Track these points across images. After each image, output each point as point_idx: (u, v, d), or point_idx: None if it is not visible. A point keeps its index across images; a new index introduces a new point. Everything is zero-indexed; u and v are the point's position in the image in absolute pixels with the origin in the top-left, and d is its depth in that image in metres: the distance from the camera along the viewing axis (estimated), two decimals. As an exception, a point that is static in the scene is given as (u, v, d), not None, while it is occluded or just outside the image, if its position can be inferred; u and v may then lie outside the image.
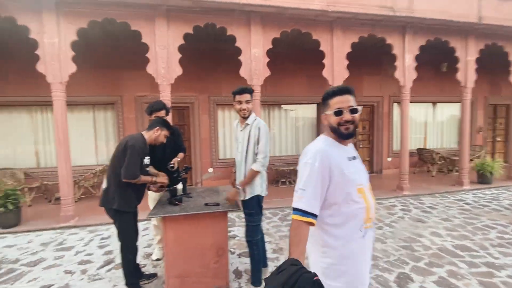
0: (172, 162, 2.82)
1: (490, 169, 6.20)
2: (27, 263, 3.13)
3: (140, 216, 2.65)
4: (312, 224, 1.12)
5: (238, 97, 2.35)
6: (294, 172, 6.72)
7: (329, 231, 1.20)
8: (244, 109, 2.35)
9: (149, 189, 2.58)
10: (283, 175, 6.69)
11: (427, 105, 8.44)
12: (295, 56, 6.86)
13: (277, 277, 0.91)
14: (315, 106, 7.59)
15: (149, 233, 3.92)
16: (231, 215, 4.57)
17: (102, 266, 3.04)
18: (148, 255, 3.26)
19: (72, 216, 4.35)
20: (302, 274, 0.89)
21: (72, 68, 4.20)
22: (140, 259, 3.08)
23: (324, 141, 1.26)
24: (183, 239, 2.35)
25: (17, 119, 6.04)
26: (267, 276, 0.99)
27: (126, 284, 2.45)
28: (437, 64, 7.71)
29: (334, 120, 1.22)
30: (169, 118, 3.11)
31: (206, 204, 2.47)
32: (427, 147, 8.20)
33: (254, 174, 2.30)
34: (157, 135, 2.47)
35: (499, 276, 2.69)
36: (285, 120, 7.52)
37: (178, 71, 4.53)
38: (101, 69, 5.99)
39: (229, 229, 3.80)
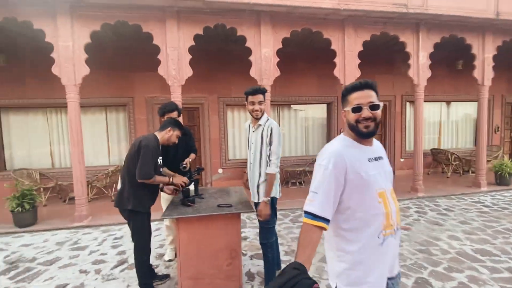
0: (184, 163, 2.82)
1: (508, 170, 5.97)
2: (43, 262, 3.20)
3: (153, 216, 2.66)
4: (323, 228, 1.08)
5: (251, 98, 2.32)
6: (304, 173, 6.65)
7: (344, 236, 1.15)
8: (257, 110, 2.31)
9: (162, 191, 2.58)
10: (293, 176, 6.63)
11: (441, 104, 8.21)
12: (305, 56, 6.79)
13: (277, 278, 0.89)
14: (325, 106, 7.50)
15: (161, 233, 3.94)
16: (242, 216, 4.55)
17: (115, 266, 3.07)
18: (161, 256, 3.27)
19: (85, 216, 4.42)
20: (301, 280, 0.85)
21: (86, 70, 4.28)
22: (152, 260, 3.09)
23: (342, 141, 1.19)
24: (196, 240, 2.34)
25: (33, 121, 6.20)
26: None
27: (140, 284, 2.46)
28: (451, 61, 7.49)
29: (352, 117, 1.14)
30: (180, 119, 3.11)
31: (218, 206, 2.45)
32: (441, 147, 7.98)
33: (272, 177, 2.27)
34: (170, 135, 2.47)
35: (523, 283, 2.57)
36: (295, 121, 7.46)
37: (189, 72, 4.55)
38: (113, 71, 6.08)
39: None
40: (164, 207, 2.95)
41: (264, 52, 4.72)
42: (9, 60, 5.64)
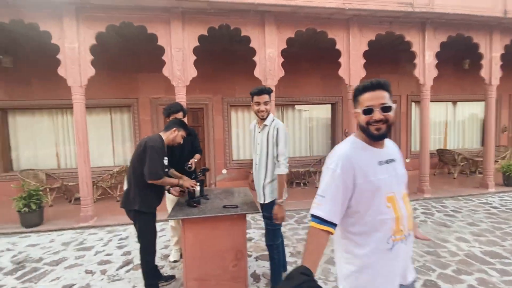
0: (189, 163, 2.82)
1: (517, 170, 5.87)
2: (49, 262, 3.21)
3: (157, 217, 2.65)
4: (330, 233, 1.07)
5: (256, 98, 2.30)
6: (309, 174, 6.62)
7: (352, 239, 1.13)
8: (263, 111, 2.30)
9: (169, 192, 2.57)
10: (297, 176, 6.60)
11: (447, 104, 8.11)
12: (309, 56, 6.76)
13: (284, 283, 0.87)
14: (329, 106, 7.46)
15: (165, 234, 3.94)
16: (247, 217, 4.53)
17: (121, 267, 3.07)
18: (166, 257, 3.27)
19: (91, 216, 4.45)
20: (309, 286, 0.85)
21: (91, 71, 4.31)
22: (157, 261, 3.08)
23: (351, 143, 1.15)
24: (202, 241, 2.33)
25: (39, 122, 6.26)
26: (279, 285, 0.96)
27: (145, 285, 2.46)
28: (457, 61, 7.40)
29: (363, 119, 1.10)
30: (185, 120, 3.11)
31: (224, 207, 2.44)
32: (447, 148, 7.89)
33: (283, 178, 2.26)
34: (175, 135, 2.47)
35: (535, 286, 2.52)
36: (299, 121, 7.43)
37: (193, 73, 4.55)
38: (117, 72, 6.12)
39: (245, 231, 3.76)
40: (169, 208, 2.95)
41: (268, 53, 4.70)
42: (15, 62, 5.70)
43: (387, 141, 1.21)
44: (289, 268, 2.84)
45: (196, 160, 2.95)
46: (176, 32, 4.43)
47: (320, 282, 2.65)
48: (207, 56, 5.65)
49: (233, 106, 6.80)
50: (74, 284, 2.74)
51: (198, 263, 2.33)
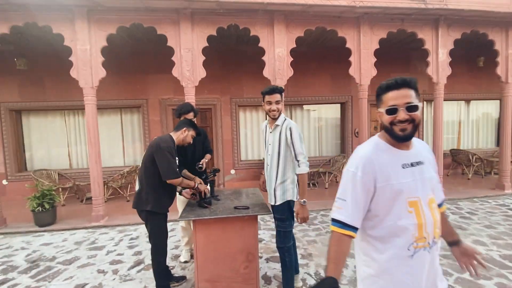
0: (200, 163, 2.81)
1: (535, 171, 5.66)
2: (63, 261, 3.26)
3: (168, 217, 2.66)
4: (352, 237, 1.03)
5: (268, 97, 2.27)
6: (318, 174, 6.55)
7: (371, 243, 1.09)
8: (274, 110, 2.26)
9: (180, 194, 2.57)
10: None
11: (460, 103, 7.90)
12: (317, 55, 6.69)
13: None
14: (339, 106, 7.36)
15: (176, 234, 3.95)
16: (256, 218, 4.51)
17: (132, 267, 3.09)
18: (176, 257, 3.28)
19: (102, 216, 4.50)
20: None
21: (102, 73, 4.36)
22: (168, 261, 3.08)
23: (374, 145, 1.10)
24: (213, 242, 2.31)
25: (52, 123, 6.39)
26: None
27: (157, 286, 2.46)
28: (470, 58, 7.19)
29: (386, 119, 1.04)
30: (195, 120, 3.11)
31: (235, 208, 2.42)
32: (461, 148, 7.68)
33: (305, 177, 2.23)
34: (185, 135, 2.47)
35: (560, 293, 2.41)
36: (308, 121, 7.36)
37: (202, 73, 4.56)
38: (127, 73, 6.19)
39: (254, 232, 3.74)
40: (179, 208, 2.95)
41: (277, 52, 4.67)
42: (29, 64, 5.83)
43: (416, 142, 1.15)
44: (301, 271, 2.81)
45: (207, 160, 2.95)
46: (185, 32, 4.44)
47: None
48: (215, 57, 5.65)
49: (241, 106, 6.79)
50: (86, 284, 2.77)
51: (209, 264, 2.31)
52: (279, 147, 2.27)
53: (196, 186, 2.45)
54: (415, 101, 1.02)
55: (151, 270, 2.50)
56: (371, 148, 1.09)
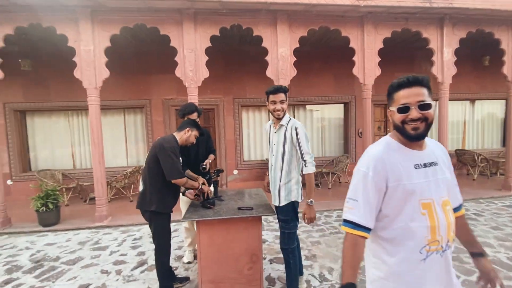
0: (204, 163, 2.80)
1: (543, 172, 5.57)
2: (66, 262, 3.26)
3: (171, 218, 2.65)
4: (365, 238, 1.01)
5: (272, 97, 2.25)
6: (321, 175, 6.51)
7: (381, 245, 1.06)
8: (279, 110, 2.24)
9: (183, 194, 2.56)
10: (309, 177, 6.49)
11: (465, 103, 7.82)
12: (320, 55, 6.66)
13: None
14: (342, 106, 7.32)
15: (179, 235, 3.94)
16: (259, 218, 4.49)
17: (136, 267, 3.08)
18: (179, 258, 3.27)
19: (105, 216, 4.50)
20: None
21: (106, 73, 4.37)
22: (171, 262, 3.07)
23: (386, 144, 1.07)
24: (217, 243, 2.30)
25: (56, 123, 6.43)
26: None
27: (160, 286, 2.45)
28: (475, 58, 7.12)
29: (398, 118, 1.01)
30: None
31: (239, 208, 2.40)
32: (466, 148, 7.60)
33: (311, 177, 2.20)
34: (188, 135, 2.46)
35: None
36: (311, 121, 7.33)
37: (205, 73, 4.55)
38: (131, 74, 6.20)
39: (258, 233, 3.72)
40: (183, 209, 2.94)
41: (280, 52, 4.65)
42: (34, 65, 5.87)
43: (430, 142, 1.12)
44: (305, 272, 2.78)
45: (210, 161, 2.93)
46: (188, 33, 4.44)
47: (336, 287, 2.57)
48: (217, 57, 5.65)
49: (244, 106, 6.78)
50: (90, 284, 2.77)
51: (213, 265, 2.30)
52: (283, 147, 2.25)
53: (200, 187, 2.44)
54: (428, 99, 1.00)
55: (155, 271, 2.49)
56: (382, 148, 1.06)
